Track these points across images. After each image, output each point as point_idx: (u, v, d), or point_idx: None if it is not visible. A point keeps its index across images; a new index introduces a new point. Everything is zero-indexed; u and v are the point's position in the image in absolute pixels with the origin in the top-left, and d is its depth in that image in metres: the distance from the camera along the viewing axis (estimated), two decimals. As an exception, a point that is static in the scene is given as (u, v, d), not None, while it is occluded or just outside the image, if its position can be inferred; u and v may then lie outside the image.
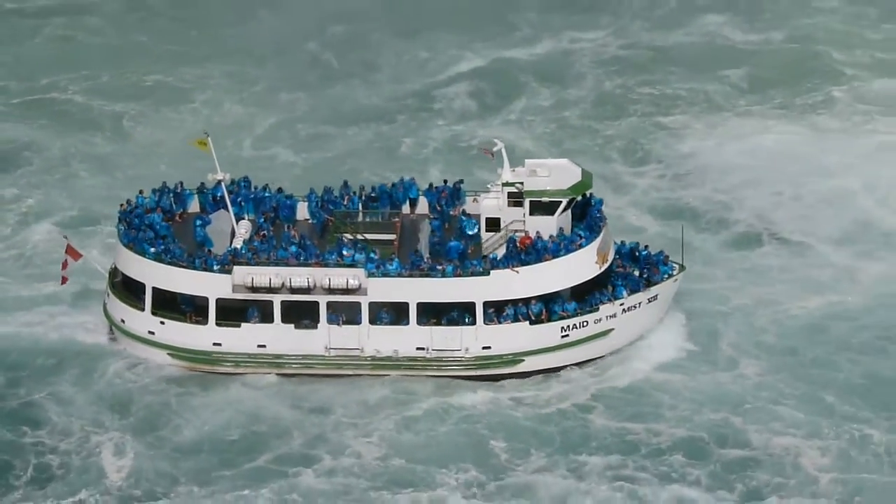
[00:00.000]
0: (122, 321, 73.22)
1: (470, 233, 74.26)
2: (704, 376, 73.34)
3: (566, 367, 73.60)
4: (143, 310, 73.01)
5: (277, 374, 73.06)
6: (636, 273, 75.26)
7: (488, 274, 71.63)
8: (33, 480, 67.13)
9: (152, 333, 72.86)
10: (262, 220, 75.25)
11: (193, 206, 76.42)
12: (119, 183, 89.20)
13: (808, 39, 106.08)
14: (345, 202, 75.96)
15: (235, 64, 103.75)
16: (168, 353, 72.67)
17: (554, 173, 74.03)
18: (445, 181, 76.48)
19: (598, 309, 72.97)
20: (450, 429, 70.44)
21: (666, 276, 74.56)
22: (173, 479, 67.33)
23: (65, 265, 73.73)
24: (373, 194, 76.07)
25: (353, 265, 72.15)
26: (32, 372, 73.20)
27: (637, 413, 71.19)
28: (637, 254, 75.48)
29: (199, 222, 74.59)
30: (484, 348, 72.28)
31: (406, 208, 76.48)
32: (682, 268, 75.09)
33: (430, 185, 76.41)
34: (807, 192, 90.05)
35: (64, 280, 74.35)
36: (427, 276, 72.13)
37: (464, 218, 74.69)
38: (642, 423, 70.54)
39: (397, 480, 66.73)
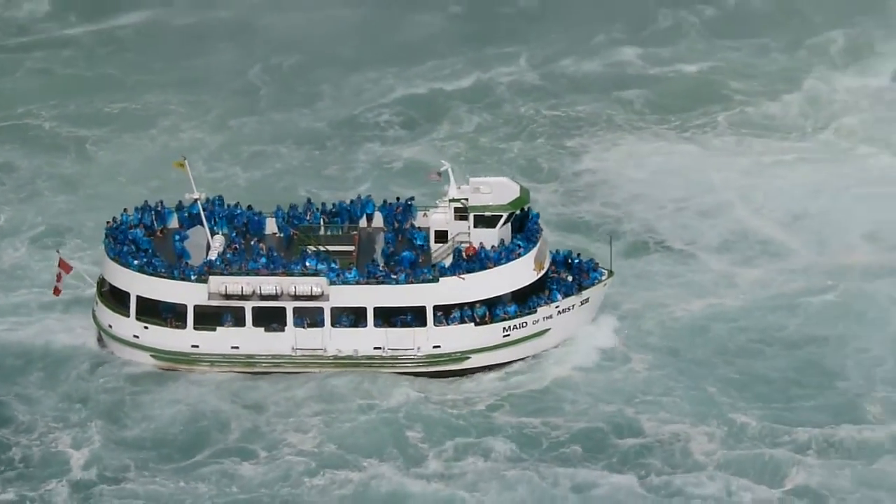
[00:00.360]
0: (110, 326, 77.08)
1: (420, 244, 78.11)
2: (600, 374, 77.16)
3: (507, 363, 77.05)
4: (128, 316, 76.80)
5: (238, 373, 76.60)
6: (569, 278, 78.95)
7: (437, 281, 75.87)
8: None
9: (137, 337, 76.65)
10: (234, 234, 78.98)
11: (173, 222, 79.94)
12: (81, 200, 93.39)
13: (711, 70, 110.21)
14: (308, 217, 79.82)
15: (194, 93, 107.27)
16: (151, 355, 76.53)
17: (495, 190, 78.10)
18: (398, 198, 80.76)
19: (535, 311, 77.21)
20: (372, 420, 74.05)
21: (596, 281, 78.73)
22: (126, 470, 70.72)
23: (59, 277, 77.48)
24: (333, 210, 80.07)
25: (316, 274, 75.78)
26: (2, 372, 76.61)
27: (542, 408, 74.96)
28: (570, 261, 79.39)
29: (177, 237, 78.29)
30: (434, 347, 76.33)
31: (363, 222, 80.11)
32: (610, 273, 79.18)
33: (385, 201, 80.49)
34: (690, 204, 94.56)
35: (57, 291, 77.93)
36: (382, 283, 76.12)
37: (415, 231, 78.75)
38: (547, 416, 74.28)
39: (329, 466, 70.66)
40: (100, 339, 78.28)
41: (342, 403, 75.33)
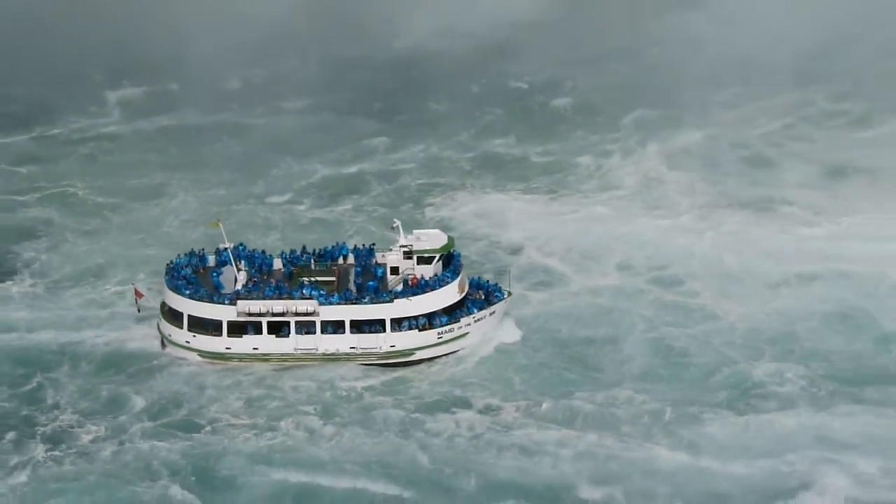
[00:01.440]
0: (170, 335, 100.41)
1: (380, 276, 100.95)
2: (438, 367, 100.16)
3: (441, 356, 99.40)
4: (182, 328, 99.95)
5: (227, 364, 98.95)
6: (482, 297, 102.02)
7: (392, 301, 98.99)
8: (21, 440, 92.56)
9: (188, 343, 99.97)
10: (253, 271, 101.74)
11: (211, 262, 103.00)
12: (98, 248, 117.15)
13: (549, 153, 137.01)
14: (303, 258, 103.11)
15: (192, 172, 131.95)
16: (198, 355, 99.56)
17: (431, 239, 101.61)
18: (364, 244, 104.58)
19: (459, 321, 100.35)
20: (278, 403, 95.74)
21: (500, 299, 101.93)
22: (123, 432, 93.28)
23: (136, 302, 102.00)
24: (320, 253, 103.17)
25: (310, 298, 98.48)
26: (43, 365, 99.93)
27: (400, 390, 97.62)
28: (481, 285, 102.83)
29: (214, 273, 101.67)
30: (391, 346, 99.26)
31: (340, 261, 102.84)
32: (509, 293, 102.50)
33: (355, 246, 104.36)
34: (495, 243, 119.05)
35: (138, 310, 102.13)
36: (355, 303, 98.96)
37: (376, 267, 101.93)
38: (399, 395, 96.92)
39: (256, 427, 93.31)
40: (162, 344, 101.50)
41: (255, 389, 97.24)
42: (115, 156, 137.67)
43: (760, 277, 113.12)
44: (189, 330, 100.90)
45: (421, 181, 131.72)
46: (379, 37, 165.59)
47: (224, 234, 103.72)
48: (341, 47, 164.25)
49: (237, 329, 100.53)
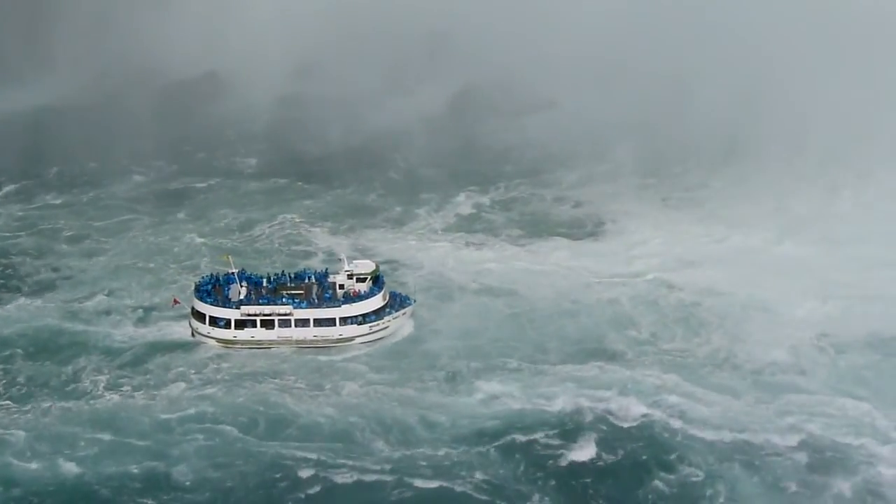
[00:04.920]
0: (197, 329, 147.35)
1: (332, 290, 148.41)
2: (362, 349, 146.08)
3: (372, 341, 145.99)
4: (205, 324, 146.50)
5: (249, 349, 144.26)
6: (398, 302, 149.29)
7: (340, 307, 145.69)
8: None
9: (209, 333, 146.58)
10: (250, 286, 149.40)
11: (223, 281, 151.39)
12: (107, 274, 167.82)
13: (400, 205, 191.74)
14: (282, 278, 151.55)
15: (161, 216, 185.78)
16: (216, 341, 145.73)
17: (364, 266, 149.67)
18: (322, 269, 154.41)
19: (383, 318, 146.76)
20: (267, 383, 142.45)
21: (409, 304, 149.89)
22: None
23: (173, 306, 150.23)
24: (293, 275, 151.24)
25: (287, 304, 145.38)
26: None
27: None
28: (396, 294, 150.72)
29: (226, 288, 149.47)
30: (339, 335, 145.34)
31: (307, 280, 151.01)
32: (415, 301, 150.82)
33: (316, 270, 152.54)
34: (424, 273, 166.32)
35: (175, 308, 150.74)
36: (317, 308, 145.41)
37: (329, 284, 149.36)
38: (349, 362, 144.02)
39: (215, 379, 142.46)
40: (192, 334, 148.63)
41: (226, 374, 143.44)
42: (105, 203, 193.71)
43: (461, 289, 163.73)
44: (209, 325, 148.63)
45: (318, 221, 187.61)
46: (310, 138, 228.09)
47: (231, 262, 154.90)
48: (288, 144, 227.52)
49: (240, 324, 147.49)
